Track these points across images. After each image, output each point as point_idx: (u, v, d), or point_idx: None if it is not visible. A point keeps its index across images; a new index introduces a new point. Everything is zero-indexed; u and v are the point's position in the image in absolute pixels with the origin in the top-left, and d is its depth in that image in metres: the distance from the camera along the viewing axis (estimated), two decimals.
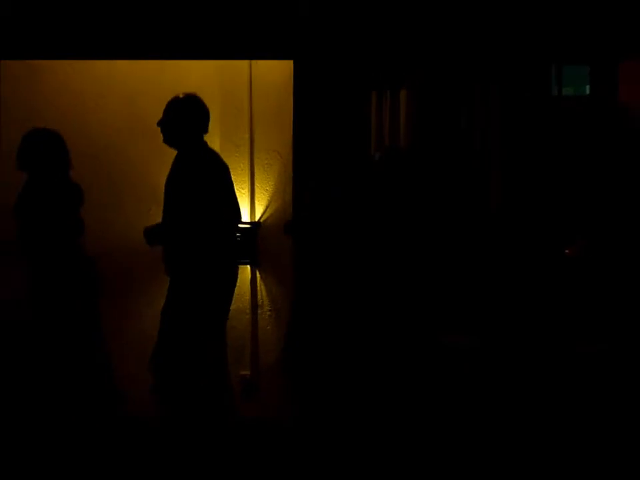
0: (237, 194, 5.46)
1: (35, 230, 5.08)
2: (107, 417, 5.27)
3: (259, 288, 5.79)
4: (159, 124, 5.04)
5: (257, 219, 5.73)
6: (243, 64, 5.68)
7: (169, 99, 5.23)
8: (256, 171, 5.72)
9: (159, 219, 5.09)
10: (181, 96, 5.11)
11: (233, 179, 5.34)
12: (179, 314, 4.87)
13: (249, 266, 5.65)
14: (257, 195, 5.77)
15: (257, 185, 5.76)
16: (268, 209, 5.72)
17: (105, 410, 5.26)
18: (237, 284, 5.33)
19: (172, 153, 5.05)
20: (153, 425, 5.21)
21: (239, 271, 5.36)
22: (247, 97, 5.75)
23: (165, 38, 5.38)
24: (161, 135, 5.11)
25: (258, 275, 5.73)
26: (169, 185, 5.01)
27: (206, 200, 5.00)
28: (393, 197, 5.30)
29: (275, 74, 5.61)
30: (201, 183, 5.04)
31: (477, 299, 5.27)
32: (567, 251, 5.33)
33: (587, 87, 5.60)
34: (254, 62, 5.68)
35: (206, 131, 5.16)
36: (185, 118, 5.08)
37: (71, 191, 5.14)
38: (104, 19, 5.31)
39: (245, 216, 5.64)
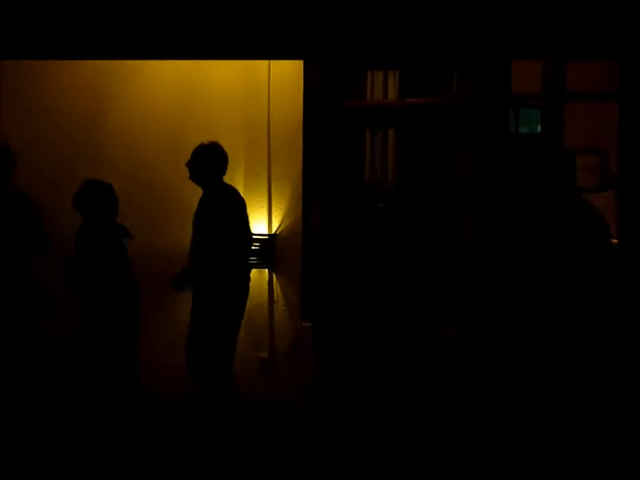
0: (257, 212, 6.55)
1: (90, 258, 5.97)
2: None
3: (274, 287, 6.65)
4: (186, 164, 5.84)
5: (273, 232, 6.60)
6: (264, 109, 6.60)
7: (202, 128, 6.34)
8: (273, 193, 6.60)
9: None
10: (206, 143, 5.93)
11: (254, 199, 6.40)
12: (203, 316, 5.79)
13: (267, 269, 6.54)
14: (273, 212, 6.62)
15: (273, 204, 6.62)
16: (282, 224, 6.59)
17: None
18: (258, 284, 6.35)
19: None
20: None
21: (260, 273, 6.43)
22: (265, 136, 6.66)
23: (175, 37, 5.60)
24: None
25: (274, 276, 6.62)
26: (196, 218, 5.89)
27: (223, 231, 5.80)
28: (390, 226, 6.37)
29: (288, 117, 6.56)
30: (220, 218, 5.85)
31: (465, 299, 6.07)
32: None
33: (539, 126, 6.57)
34: (272, 109, 6.58)
35: (224, 173, 5.99)
36: (208, 163, 5.94)
37: (116, 230, 6.05)
38: (114, 20, 5.49)
39: (264, 229, 6.57)
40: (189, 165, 5.86)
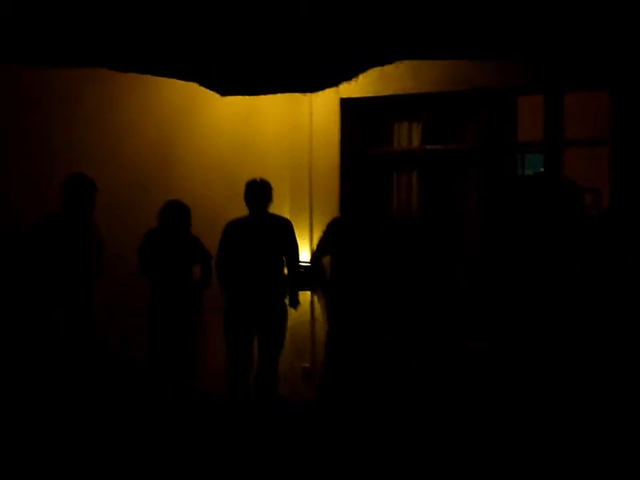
0: (301, 243, 7.27)
1: (157, 263, 7.01)
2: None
3: (315, 306, 7.57)
4: (244, 199, 6.86)
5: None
6: (306, 154, 7.61)
7: (254, 168, 7.30)
8: (314, 226, 7.52)
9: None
10: (258, 180, 6.92)
11: (298, 232, 7.15)
12: None
13: (309, 292, 7.42)
14: (314, 242, 7.43)
15: (314, 235, 7.48)
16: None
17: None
18: (301, 304, 7.17)
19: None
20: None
21: (302, 294, 7.21)
22: (307, 178, 7.64)
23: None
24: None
25: (315, 298, 7.53)
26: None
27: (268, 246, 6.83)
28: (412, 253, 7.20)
29: (326, 161, 7.58)
30: (263, 236, 6.84)
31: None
32: None
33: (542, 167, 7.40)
34: (313, 154, 7.57)
35: (270, 202, 6.94)
36: (258, 194, 6.92)
37: (188, 241, 7.12)
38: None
39: (307, 257, 7.40)
40: (245, 198, 6.86)
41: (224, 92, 6.95)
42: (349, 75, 6.56)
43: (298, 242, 7.32)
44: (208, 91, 6.90)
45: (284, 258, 7.01)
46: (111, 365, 7.59)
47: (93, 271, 7.29)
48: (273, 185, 7.10)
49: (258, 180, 6.97)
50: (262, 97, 7.21)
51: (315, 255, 7.19)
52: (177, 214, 7.17)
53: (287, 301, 7.04)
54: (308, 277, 7.33)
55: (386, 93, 7.56)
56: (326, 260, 7.16)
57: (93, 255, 7.27)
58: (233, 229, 7.05)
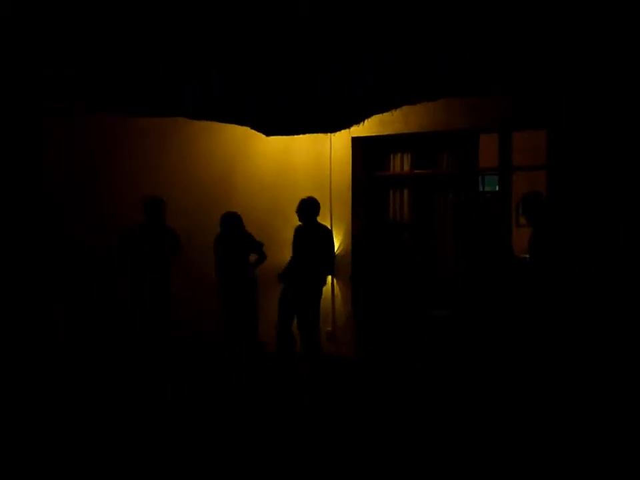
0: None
1: (226, 256, 8.59)
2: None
3: (335, 287, 9.06)
4: (296, 211, 8.23)
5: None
6: (327, 175, 8.98)
7: (289, 187, 8.86)
8: (334, 230, 8.87)
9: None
10: (305, 198, 8.29)
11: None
12: (304, 303, 8.35)
13: (330, 276, 8.87)
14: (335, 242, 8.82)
15: (334, 235, 8.85)
16: (339, 247, 8.95)
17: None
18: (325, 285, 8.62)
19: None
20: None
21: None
22: (328, 192, 8.98)
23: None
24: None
25: (334, 280, 9.06)
26: (298, 244, 8.36)
27: (315, 250, 8.32)
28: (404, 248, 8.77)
29: (342, 180, 9.03)
30: (313, 242, 8.32)
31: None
32: None
33: (497, 187, 8.74)
34: (332, 176, 8.93)
35: (318, 214, 8.32)
36: (307, 210, 8.28)
37: (243, 237, 8.66)
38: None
39: None
40: (297, 211, 8.23)
41: (268, 133, 8.19)
42: (357, 120, 7.72)
43: None
44: (256, 132, 8.12)
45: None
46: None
47: (169, 263, 8.72)
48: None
49: (306, 198, 8.34)
50: (296, 136, 8.48)
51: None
52: (231, 220, 8.66)
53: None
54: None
55: (384, 132, 8.78)
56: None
57: (167, 252, 8.71)
58: (296, 232, 8.40)
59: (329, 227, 8.91)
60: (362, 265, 8.70)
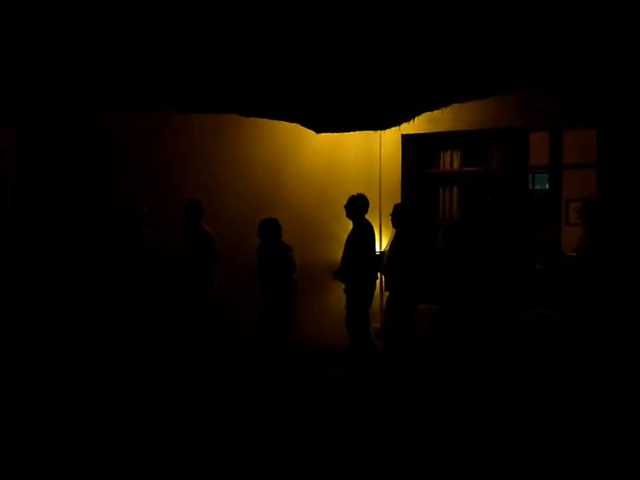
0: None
1: (270, 265, 8.61)
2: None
3: (382, 284, 8.80)
4: (345, 207, 8.17)
5: (382, 250, 8.86)
6: (376, 172, 8.99)
7: (340, 184, 8.85)
8: (383, 226, 8.93)
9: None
10: (355, 194, 8.27)
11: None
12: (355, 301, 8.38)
13: (379, 272, 8.73)
14: (382, 237, 8.99)
15: (382, 233, 8.98)
16: (387, 244, 8.66)
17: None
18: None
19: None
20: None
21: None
22: (377, 190, 8.98)
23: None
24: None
25: (382, 277, 8.77)
26: (347, 241, 8.28)
27: (362, 250, 8.28)
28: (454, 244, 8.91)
29: (391, 177, 9.07)
30: (361, 241, 8.25)
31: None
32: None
33: (547, 185, 8.81)
34: (382, 172, 8.94)
35: (366, 212, 8.26)
36: (356, 207, 8.23)
37: (282, 249, 8.67)
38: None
39: (377, 247, 8.70)
40: (345, 207, 8.23)
41: (318, 130, 8.36)
42: (408, 118, 7.87)
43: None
44: (307, 129, 8.29)
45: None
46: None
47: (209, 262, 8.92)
48: None
49: (356, 195, 8.35)
50: (346, 133, 8.59)
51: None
52: (268, 226, 8.59)
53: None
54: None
55: (434, 130, 8.82)
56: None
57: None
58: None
59: (379, 222, 9.01)
60: (403, 263, 8.46)
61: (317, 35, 5.78)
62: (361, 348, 8.45)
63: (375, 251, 8.49)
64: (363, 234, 8.37)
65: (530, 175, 9.27)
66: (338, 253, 8.50)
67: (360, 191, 8.61)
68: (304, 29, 5.60)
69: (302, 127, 8.25)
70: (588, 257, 7.77)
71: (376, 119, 7.84)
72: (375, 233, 8.56)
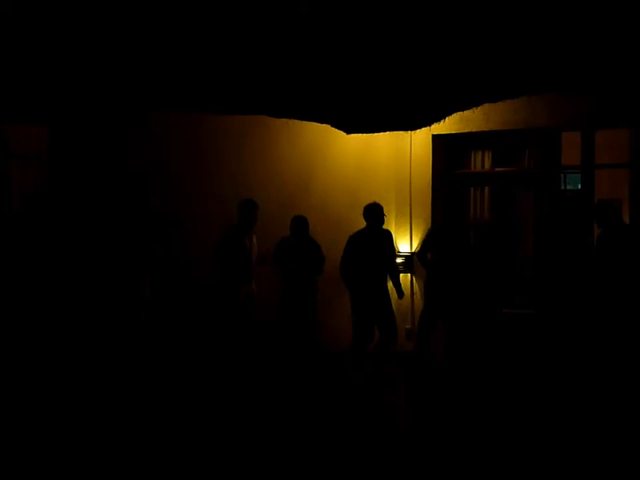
0: (403, 238, 8.93)
1: (288, 265, 8.55)
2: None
3: (414, 284, 9.11)
4: (364, 216, 8.28)
5: (412, 250, 9.00)
6: (407, 173, 9.01)
7: (369, 185, 8.89)
8: (413, 226, 9.09)
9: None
10: (372, 202, 8.31)
11: (401, 230, 8.89)
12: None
13: (409, 274, 8.93)
14: (413, 238, 9.07)
15: (413, 233, 9.10)
16: (418, 245, 8.90)
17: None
18: (403, 283, 8.63)
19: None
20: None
21: (405, 276, 8.82)
22: (408, 191, 9.10)
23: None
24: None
25: (413, 278, 9.05)
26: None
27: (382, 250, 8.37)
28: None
29: (422, 178, 9.05)
30: (380, 243, 8.40)
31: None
32: None
33: (579, 185, 8.74)
34: (412, 173, 8.93)
35: (382, 218, 8.31)
36: (372, 213, 8.31)
37: (311, 245, 8.64)
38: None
39: (407, 248, 8.93)
40: (364, 215, 8.38)
41: (349, 131, 8.27)
42: (439, 118, 7.77)
43: (400, 237, 8.85)
44: (337, 130, 8.20)
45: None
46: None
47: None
48: (383, 196, 8.64)
49: (374, 203, 8.37)
50: (377, 134, 8.55)
51: (421, 251, 8.55)
52: (299, 224, 8.64)
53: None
54: (410, 264, 8.93)
55: (465, 130, 8.81)
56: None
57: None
58: (354, 239, 8.42)
59: (409, 222, 9.12)
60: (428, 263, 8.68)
61: (348, 35, 5.80)
62: (355, 348, 8.52)
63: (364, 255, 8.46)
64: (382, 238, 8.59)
65: (562, 175, 9.27)
66: None
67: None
68: (333, 28, 5.62)
69: (332, 128, 8.19)
70: (601, 256, 7.80)
71: (406, 119, 7.78)
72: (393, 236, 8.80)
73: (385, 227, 8.58)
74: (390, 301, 8.51)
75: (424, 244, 8.60)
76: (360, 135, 8.66)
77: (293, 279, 8.66)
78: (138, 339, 8.45)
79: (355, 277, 8.41)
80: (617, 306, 7.45)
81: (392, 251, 8.62)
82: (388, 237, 8.56)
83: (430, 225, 8.99)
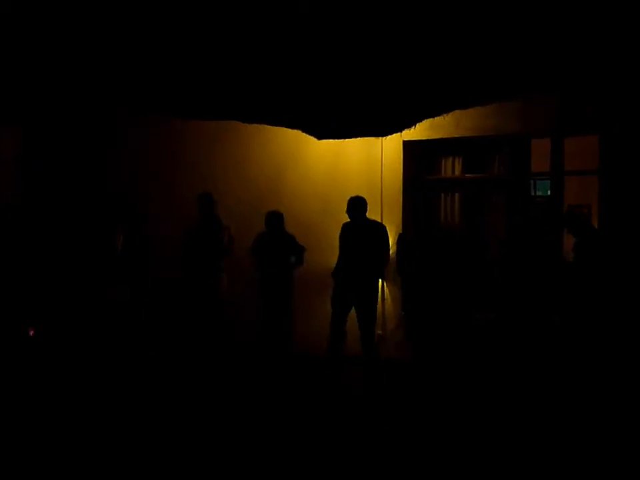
0: None
1: (265, 258, 8.73)
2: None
3: (385, 290, 9.09)
4: (346, 212, 8.19)
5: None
6: (378, 178, 9.01)
7: (341, 189, 8.81)
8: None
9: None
10: (354, 195, 8.25)
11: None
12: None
13: (380, 279, 8.73)
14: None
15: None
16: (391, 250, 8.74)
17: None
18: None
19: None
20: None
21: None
22: (379, 195, 9.01)
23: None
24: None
25: (385, 283, 9.03)
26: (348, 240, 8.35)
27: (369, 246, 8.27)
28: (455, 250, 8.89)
29: (393, 183, 9.04)
30: (366, 238, 8.27)
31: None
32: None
33: (549, 191, 8.79)
34: (383, 178, 8.96)
35: (365, 211, 8.24)
36: (356, 206, 8.26)
37: (287, 237, 8.78)
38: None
39: None
40: (347, 211, 8.25)
41: (320, 136, 8.31)
42: (409, 124, 7.76)
43: None
44: (308, 135, 8.23)
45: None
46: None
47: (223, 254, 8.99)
48: None
49: (354, 196, 8.36)
50: (348, 139, 8.63)
51: (399, 265, 8.69)
52: (274, 219, 8.79)
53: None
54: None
55: (436, 136, 8.83)
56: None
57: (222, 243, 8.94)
58: (344, 229, 8.41)
59: None
60: (411, 269, 8.76)
61: (317, 40, 5.75)
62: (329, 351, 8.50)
63: (385, 247, 8.50)
64: (370, 231, 8.52)
65: (532, 182, 9.28)
66: None
67: (362, 195, 8.63)
68: (303, 32, 5.58)
69: (303, 133, 8.21)
70: (578, 263, 7.82)
71: (377, 125, 7.79)
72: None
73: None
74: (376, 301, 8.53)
75: (401, 257, 8.67)
76: (331, 140, 8.71)
77: (270, 271, 8.80)
78: (138, 339, 8.71)
79: (341, 269, 8.45)
80: (599, 312, 7.49)
81: (382, 244, 8.54)
82: (379, 229, 8.50)
83: (401, 230, 9.04)
